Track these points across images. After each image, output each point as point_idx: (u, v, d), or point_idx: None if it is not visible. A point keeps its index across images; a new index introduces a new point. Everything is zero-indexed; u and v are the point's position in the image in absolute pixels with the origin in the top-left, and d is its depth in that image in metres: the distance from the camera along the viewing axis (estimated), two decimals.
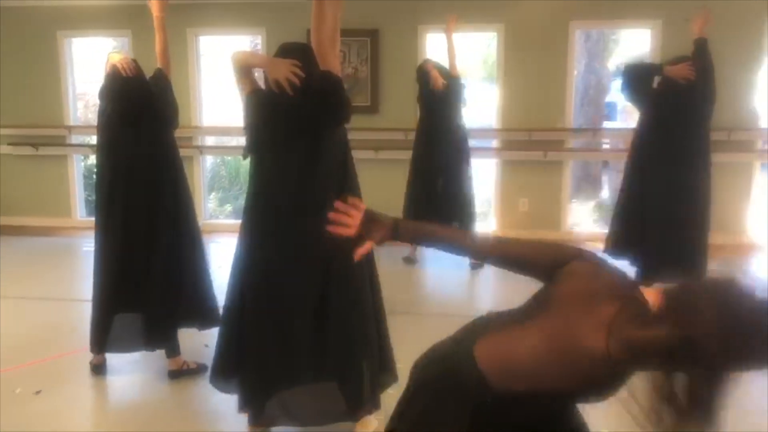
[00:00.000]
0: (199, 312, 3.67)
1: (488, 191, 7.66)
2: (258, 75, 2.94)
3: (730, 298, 1.32)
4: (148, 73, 3.66)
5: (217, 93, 8.25)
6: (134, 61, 3.62)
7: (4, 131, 7.47)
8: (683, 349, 1.32)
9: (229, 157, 9.03)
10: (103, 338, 3.63)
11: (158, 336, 3.59)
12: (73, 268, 6.18)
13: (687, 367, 1.35)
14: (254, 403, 2.87)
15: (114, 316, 3.58)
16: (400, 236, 1.81)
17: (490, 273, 5.91)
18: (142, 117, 3.54)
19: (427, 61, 5.91)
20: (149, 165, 3.56)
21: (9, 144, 7.51)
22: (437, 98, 5.67)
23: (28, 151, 7.47)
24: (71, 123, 7.56)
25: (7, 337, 4.20)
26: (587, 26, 7.70)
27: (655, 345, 1.37)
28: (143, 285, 3.53)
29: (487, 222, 7.20)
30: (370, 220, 1.79)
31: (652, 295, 1.46)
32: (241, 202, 8.72)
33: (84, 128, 7.72)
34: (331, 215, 1.80)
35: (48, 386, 3.59)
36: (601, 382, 1.52)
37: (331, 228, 1.81)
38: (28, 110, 7.47)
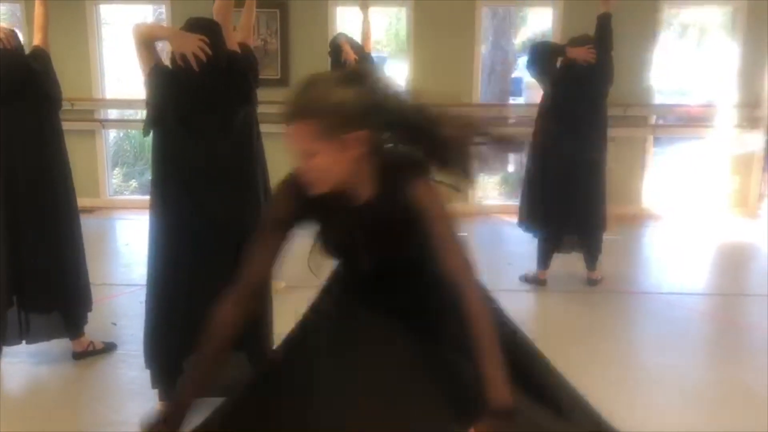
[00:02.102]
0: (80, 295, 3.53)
1: None
2: (161, 49, 2.87)
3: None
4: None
5: (120, 64, 7.93)
6: (14, 31, 3.41)
7: None
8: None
9: (134, 131, 8.72)
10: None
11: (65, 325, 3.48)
12: None
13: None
14: (165, 378, 2.85)
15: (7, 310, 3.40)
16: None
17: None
18: (23, 95, 3.32)
19: (339, 35, 5.88)
20: (34, 147, 3.35)
21: None
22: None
23: None
24: None
25: None
26: (494, 3, 7.86)
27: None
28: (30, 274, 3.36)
29: None
30: None
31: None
32: (147, 177, 8.51)
33: None
34: None
35: None
36: None
37: None
38: None
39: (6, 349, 3.46)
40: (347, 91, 1.54)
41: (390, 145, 1.67)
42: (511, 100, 9.77)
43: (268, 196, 3.33)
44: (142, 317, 2.96)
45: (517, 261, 5.27)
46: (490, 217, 7.05)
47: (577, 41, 4.62)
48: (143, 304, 2.97)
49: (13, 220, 3.29)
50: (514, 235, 5.37)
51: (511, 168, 9.67)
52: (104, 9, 7.13)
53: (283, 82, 6.86)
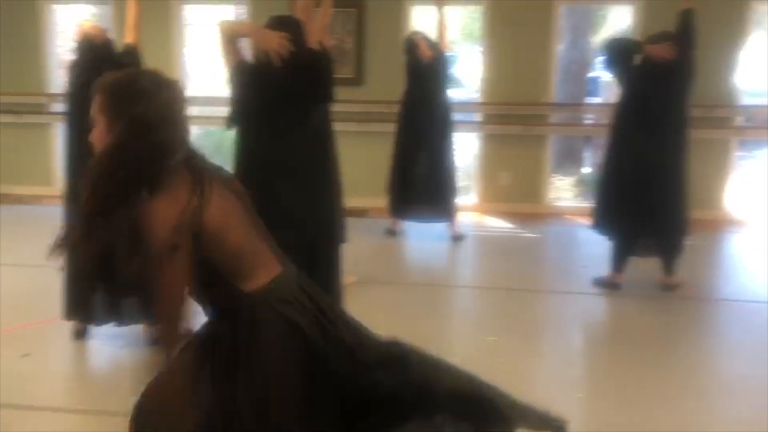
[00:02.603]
0: None
1: (470, 165, 7.73)
2: (243, 46, 2.96)
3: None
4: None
5: (201, 63, 8.19)
6: (105, 30, 3.60)
7: None
8: None
9: (213, 128, 8.98)
10: (83, 309, 3.65)
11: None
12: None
13: None
14: None
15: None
16: None
17: (470, 245, 6.01)
18: None
19: (416, 32, 5.92)
20: None
21: None
22: (424, 70, 5.69)
23: (9, 118, 7.40)
24: (53, 91, 7.49)
25: None
26: (572, 2, 7.72)
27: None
28: None
29: (468, 196, 7.27)
30: None
31: None
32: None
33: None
34: None
35: (33, 350, 3.64)
36: None
37: None
38: (9, 78, 7.38)
39: (95, 330, 3.68)
40: (141, 88, 1.64)
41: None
42: (588, 100, 9.57)
43: (339, 194, 3.39)
44: None
45: (590, 264, 5.16)
46: (563, 218, 6.93)
47: (657, 38, 4.49)
48: None
49: None
50: (588, 238, 5.27)
51: (586, 168, 9.49)
52: (188, 9, 7.39)
53: (357, 81, 6.93)
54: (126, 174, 1.59)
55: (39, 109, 7.46)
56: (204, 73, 8.45)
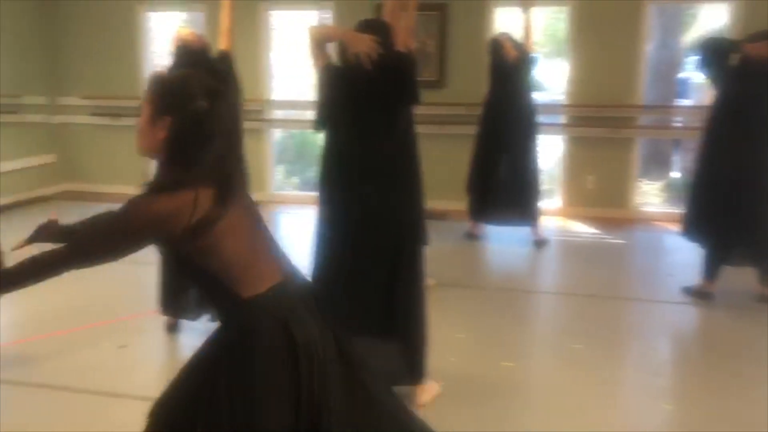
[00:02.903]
0: None
1: (554, 168, 7.59)
2: (331, 50, 3.02)
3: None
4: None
5: (286, 67, 8.39)
6: (201, 36, 3.76)
7: (85, 102, 7.81)
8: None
9: (296, 131, 9.19)
10: (175, 303, 3.82)
11: None
12: None
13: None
14: None
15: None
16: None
17: (553, 251, 5.91)
18: None
19: (502, 33, 5.88)
20: None
21: (90, 114, 7.86)
22: (508, 71, 5.63)
23: (106, 121, 7.79)
24: None
25: (96, 296, 4.48)
26: (663, 1, 7.46)
27: None
28: None
29: (552, 199, 7.15)
30: None
31: None
32: (307, 174, 8.94)
33: None
34: None
35: (130, 341, 3.85)
36: None
37: None
38: (107, 82, 7.78)
39: (188, 324, 3.86)
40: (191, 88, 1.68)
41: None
42: (678, 102, 9.23)
43: (422, 196, 3.41)
44: None
45: (678, 272, 4.98)
46: (649, 224, 6.71)
47: (756, 37, 4.29)
48: None
49: None
50: (676, 245, 5.09)
51: (675, 173, 9.16)
52: (274, 14, 7.59)
53: (440, 84, 6.94)
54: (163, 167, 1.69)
55: (135, 113, 7.80)
56: (288, 77, 8.64)
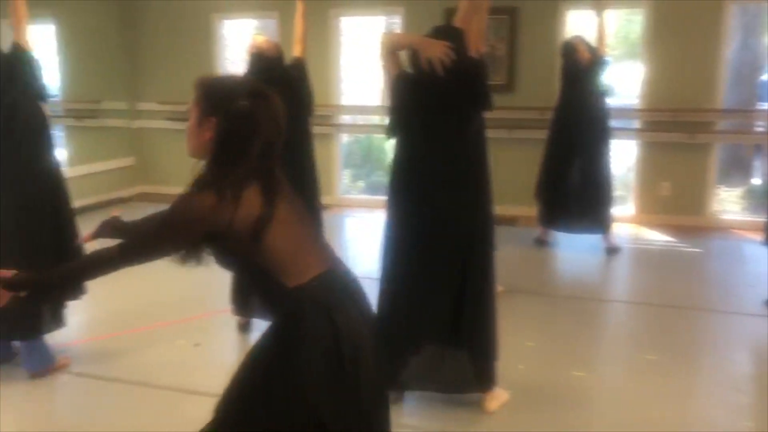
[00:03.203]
0: None
1: (627, 174, 7.40)
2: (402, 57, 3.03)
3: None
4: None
5: (353, 72, 8.47)
6: (277, 44, 3.83)
7: (162, 107, 8.09)
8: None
9: (362, 136, 9.27)
10: (246, 303, 3.90)
11: None
12: None
13: None
14: (393, 364, 2.98)
15: None
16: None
17: (626, 259, 5.75)
18: (284, 99, 3.72)
19: (575, 36, 5.77)
20: (285, 146, 3.75)
21: (165, 119, 8.13)
22: (581, 74, 5.53)
23: (181, 126, 8.02)
24: None
25: (171, 295, 4.63)
26: (745, 1, 7.17)
27: None
28: None
29: (624, 206, 6.96)
30: None
31: None
32: (373, 178, 8.99)
33: None
34: None
35: (203, 339, 3.96)
36: None
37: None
38: (183, 88, 7.99)
39: (257, 323, 3.94)
40: (236, 90, 1.76)
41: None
42: (759, 106, 8.84)
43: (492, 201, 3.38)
44: None
45: (760, 283, 4.77)
46: (728, 233, 6.45)
47: None
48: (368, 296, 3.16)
49: None
50: (756, 254, 4.88)
51: (755, 179, 8.78)
52: (343, 21, 7.67)
53: (509, 87, 6.86)
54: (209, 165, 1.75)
55: None
56: (355, 82, 8.72)
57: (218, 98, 1.73)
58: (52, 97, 4.60)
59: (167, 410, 3.20)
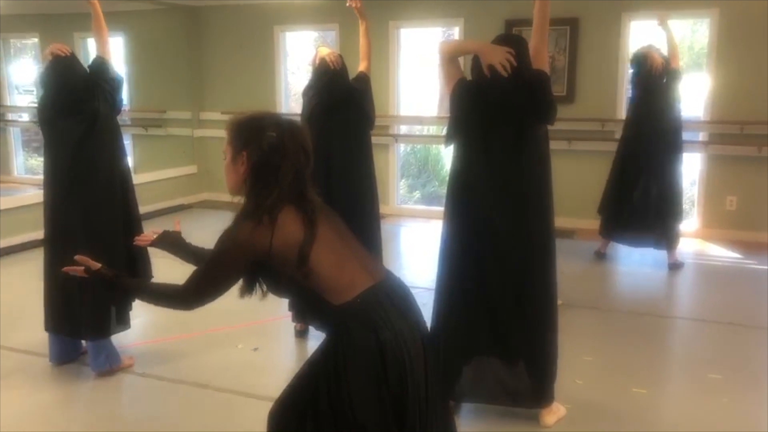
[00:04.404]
0: None
1: (691, 187, 7.20)
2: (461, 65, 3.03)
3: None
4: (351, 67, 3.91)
5: (412, 83, 8.51)
6: (341, 56, 3.89)
7: (225, 117, 8.27)
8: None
9: (419, 146, 9.30)
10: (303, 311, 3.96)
11: None
12: None
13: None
14: (448, 375, 2.98)
15: None
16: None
17: (689, 275, 5.59)
18: (347, 111, 3.80)
19: (648, 45, 5.63)
20: (346, 157, 3.81)
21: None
22: (656, 85, 5.40)
23: None
24: (283, 111, 8.19)
25: (232, 301, 4.70)
26: None
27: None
28: None
29: (688, 221, 6.77)
30: None
31: None
32: (429, 189, 8.99)
33: (294, 116, 8.31)
34: None
35: (262, 344, 4.03)
36: None
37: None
38: (245, 98, 8.20)
39: (314, 330, 3.98)
40: (265, 127, 1.81)
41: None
42: None
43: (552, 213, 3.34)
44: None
45: None
46: None
47: None
48: (424, 306, 3.15)
49: None
50: None
51: None
52: (403, 32, 7.73)
53: (569, 99, 6.78)
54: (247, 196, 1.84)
55: None
56: (412, 93, 8.75)
57: (248, 133, 1.82)
58: (124, 107, 4.80)
59: (226, 412, 3.27)
